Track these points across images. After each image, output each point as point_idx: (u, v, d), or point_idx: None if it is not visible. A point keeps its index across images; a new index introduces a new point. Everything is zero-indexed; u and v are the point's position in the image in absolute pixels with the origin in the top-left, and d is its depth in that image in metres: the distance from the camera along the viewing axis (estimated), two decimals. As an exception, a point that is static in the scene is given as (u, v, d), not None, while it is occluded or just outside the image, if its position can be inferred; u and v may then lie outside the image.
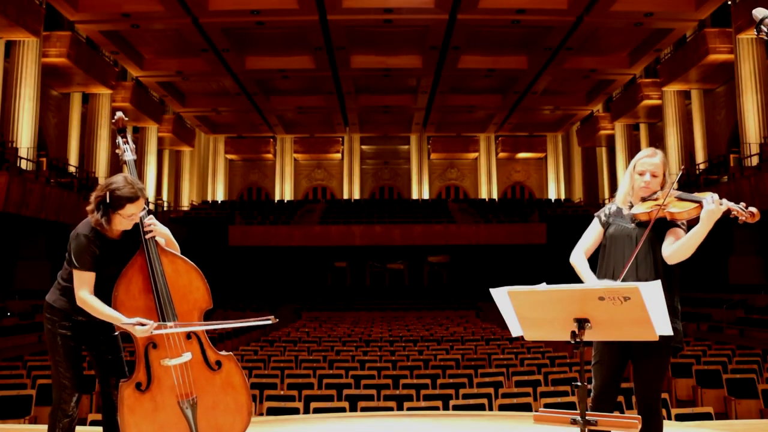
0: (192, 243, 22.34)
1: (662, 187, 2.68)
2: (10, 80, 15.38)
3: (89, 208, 2.66)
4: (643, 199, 2.67)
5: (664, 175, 2.68)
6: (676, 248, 2.54)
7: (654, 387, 2.59)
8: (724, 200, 2.45)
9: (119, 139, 3.04)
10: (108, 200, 2.61)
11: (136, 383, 2.73)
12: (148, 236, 2.77)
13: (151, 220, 2.80)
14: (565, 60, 20.35)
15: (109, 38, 18.50)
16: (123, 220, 2.67)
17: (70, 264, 2.68)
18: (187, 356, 2.79)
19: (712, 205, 2.43)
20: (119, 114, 3.04)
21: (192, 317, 2.85)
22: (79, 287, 2.65)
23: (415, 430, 4.19)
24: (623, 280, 2.44)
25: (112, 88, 19.61)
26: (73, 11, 16.50)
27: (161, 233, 2.84)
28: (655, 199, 2.64)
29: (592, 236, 2.80)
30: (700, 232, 2.48)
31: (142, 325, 2.62)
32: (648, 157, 2.68)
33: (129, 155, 3.00)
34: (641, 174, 2.67)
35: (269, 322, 2.79)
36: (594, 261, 2.77)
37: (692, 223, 2.54)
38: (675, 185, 2.65)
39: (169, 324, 2.72)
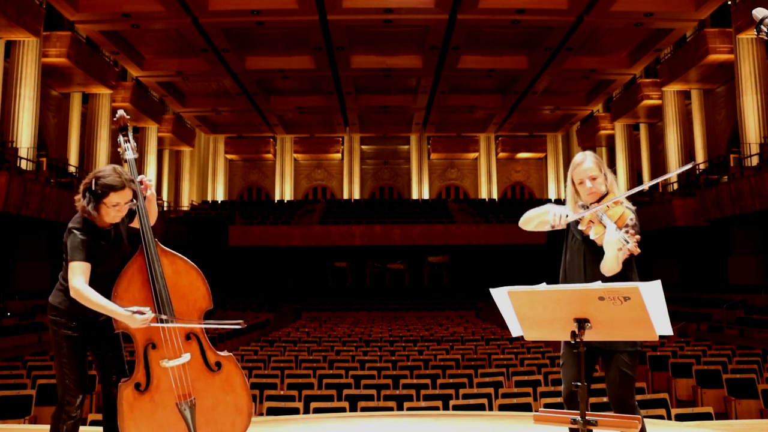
0: (192, 243, 22.34)
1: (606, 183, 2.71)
2: (10, 80, 15.38)
3: (77, 196, 2.69)
4: (585, 207, 2.69)
5: (604, 174, 2.71)
6: (603, 265, 2.56)
7: (622, 389, 2.57)
8: (622, 238, 2.42)
9: (120, 138, 3.05)
10: (93, 187, 2.65)
11: (135, 383, 2.74)
12: (147, 194, 2.86)
13: (149, 181, 2.89)
14: (565, 60, 20.34)
15: (109, 38, 18.49)
16: (109, 210, 2.68)
17: (66, 259, 2.68)
18: (186, 357, 2.79)
19: (614, 236, 2.46)
20: (120, 112, 3.04)
21: (191, 318, 2.85)
22: (74, 277, 2.62)
23: (415, 430, 4.19)
24: None
25: (112, 88, 19.60)
26: (73, 11, 16.49)
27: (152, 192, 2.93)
28: (602, 203, 2.65)
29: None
30: (609, 257, 2.50)
31: (141, 314, 2.62)
32: (580, 166, 2.72)
33: (130, 154, 3.00)
34: (581, 183, 2.71)
35: (239, 326, 2.81)
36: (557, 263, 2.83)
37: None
38: (615, 183, 2.71)
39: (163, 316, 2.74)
